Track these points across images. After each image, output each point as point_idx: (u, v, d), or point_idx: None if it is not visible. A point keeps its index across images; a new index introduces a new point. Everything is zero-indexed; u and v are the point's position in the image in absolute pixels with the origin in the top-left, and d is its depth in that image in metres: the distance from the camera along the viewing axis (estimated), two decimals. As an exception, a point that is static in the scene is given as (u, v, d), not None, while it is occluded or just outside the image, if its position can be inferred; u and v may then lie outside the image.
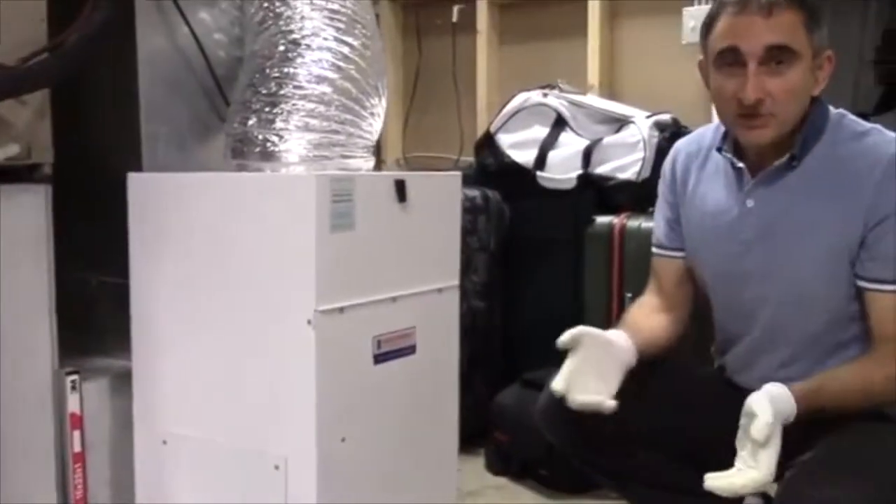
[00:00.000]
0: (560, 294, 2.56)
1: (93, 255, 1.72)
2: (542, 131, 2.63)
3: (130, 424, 1.63)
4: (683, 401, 1.59)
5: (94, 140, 1.71)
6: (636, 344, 1.54)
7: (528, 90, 2.71)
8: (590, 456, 1.60)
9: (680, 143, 1.69)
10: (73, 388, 1.57)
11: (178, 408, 1.58)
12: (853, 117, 1.48)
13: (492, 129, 2.72)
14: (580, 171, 2.52)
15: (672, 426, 1.55)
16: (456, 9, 3.14)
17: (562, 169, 2.56)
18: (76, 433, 1.57)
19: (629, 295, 2.41)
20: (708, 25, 1.45)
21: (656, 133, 2.45)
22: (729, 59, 1.41)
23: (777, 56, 1.38)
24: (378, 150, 3.43)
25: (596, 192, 2.54)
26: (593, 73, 2.88)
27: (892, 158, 1.38)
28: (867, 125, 1.46)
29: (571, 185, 2.53)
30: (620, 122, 2.56)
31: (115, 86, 1.69)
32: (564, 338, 1.49)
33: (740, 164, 1.51)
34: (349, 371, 1.49)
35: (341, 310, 1.45)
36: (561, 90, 2.70)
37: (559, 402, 1.57)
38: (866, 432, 1.37)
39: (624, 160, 2.47)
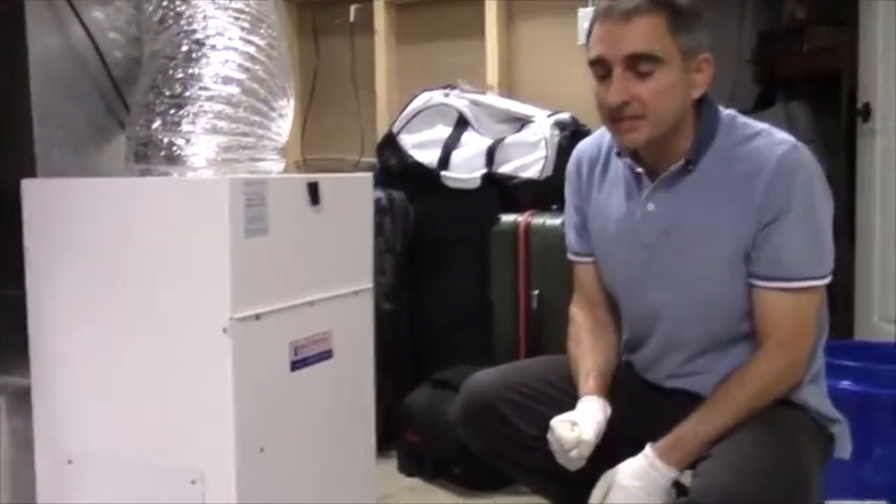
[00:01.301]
0: (468, 293, 2.57)
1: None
2: (444, 131, 2.64)
3: (31, 445, 1.54)
4: None
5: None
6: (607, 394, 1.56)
7: (431, 90, 2.71)
8: (509, 454, 1.60)
9: (582, 147, 1.70)
10: (-32, 408, 1.47)
11: (84, 425, 1.51)
12: (744, 119, 1.52)
13: (394, 130, 2.71)
14: (484, 171, 2.54)
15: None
16: (353, 9, 3.12)
17: (466, 168, 2.58)
18: (-28, 456, 1.48)
19: (536, 292, 2.44)
20: (588, 33, 1.48)
21: (557, 132, 2.50)
22: (599, 69, 1.44)
23: (639, 62, 1.40)
24: (276, 152, 3.38)
25: (500, 191, 2.56)
26: (492, 73, 2.92)
27: (779, 160, 1.43)
28: (759, 126, 1.50)
29: (476, 184, 2.55)
30: (521, 122, 2.59)
31: (5, 87, 1.60)
32: (579, 463, 1.47)
33: (639, 169, 1.54)
34: (266, 379, 1.45)
35: (257, 316, 1.41)
36: (462, 90, 2.71)
37: (478, 405, 1.59)
38: (771, 422, 1.42)
39: (526, 159, 2.50)
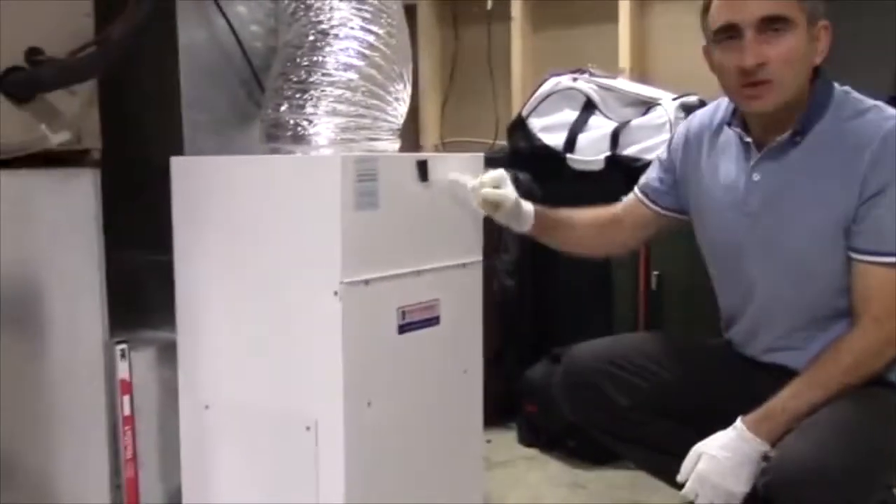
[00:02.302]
0: (590, 272, 2.63)
1: (142, 235, 1.83)
2: (571, 115, 2.70)
3: (176, 391, 1.75)
4: (692, 373, 1.66)
5: (139, 127, 1.83)
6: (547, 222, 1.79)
7: (559, 74, 2.78)
8: (603, 424, 1.67)
9: (696, 113, 1.76)
10: (123, 356, 1.69)
11: (219, 375, 1.70)
12: (857, 95, 1.53)
13: (523, 114, 2.80)
14: (608, 153, 2.58)
15: (681, 395, 1.63)
16: (490, -3, 3.22)
17: (591, 151, 2.63)
18: (125, 398, 1.70)
19: (656, 273, 2.48)
20: (706, 7, 1.52)
21: (682, 114, 2.50)
22: (727, 35, 1.48)
23: (772, 25, 1.44)
24: (417, 135, 3.55)
25: (624, 173, 2.60)
26: (624, 57, 2.94)
27: (886, 135, 1.43)
28: (869, 102, 1.51)
29: (599, 166, 2.60)
30: (648, 105, 2.62)
31: (159, 76, 1.80)
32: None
33: (748, 139, 1.57)
34: (374, 339, 1.58)
35: (366, 282, 1.55)
36: (591, 74, 2.76)
37: (576, 375, 1.67)
38: (862, 400, 1.43)
39: (651, 141, 2.53)
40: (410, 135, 3.56)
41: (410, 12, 3.44)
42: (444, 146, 3.45)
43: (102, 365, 1.68)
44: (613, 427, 1.65)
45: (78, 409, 1.66)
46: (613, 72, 2.89)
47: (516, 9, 3.17)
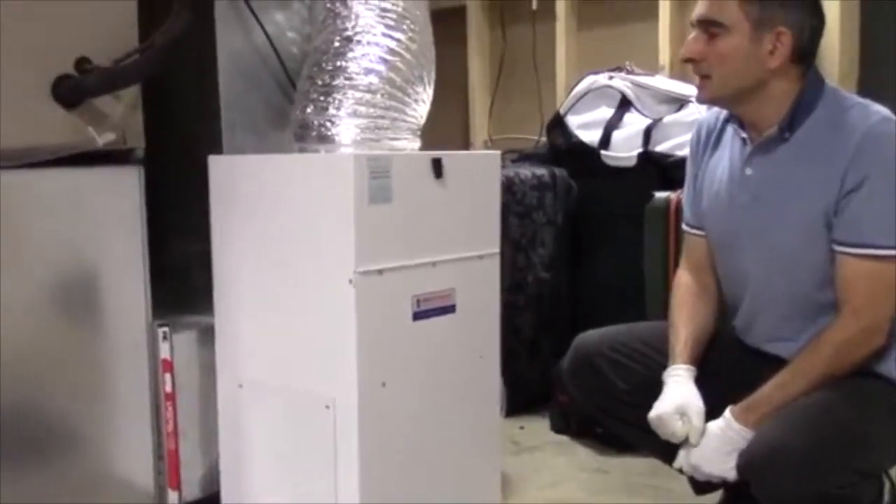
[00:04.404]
0: (623, 266, 2.69)
1: (185, 227, 1.99)
2: (608, 112, 2.77)
3: (213, 370, 1.90)
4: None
5: (181, 128, 1.98)
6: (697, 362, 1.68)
7: (597, 73, 2.85)
8: (606, 407, 1.76)
9: (703, 116, 1.83)
10: (164, 337, 1.85)
11: (251, 355, 1.84)
12: (844, 93, 1.58)
13: (561, 111, 2.88)
14: (641, 150, 2.65)
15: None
16: (535, -3, 3.30)
17: (625, 147, 2.70)
18: (167, 376, 1.86)
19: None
20: None
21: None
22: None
23: (708, 27, 1.56)
24: (466, 132, 3.65)
25: (658, 169, 2.66)
26: (664, 54, 2.99)
27: (869, 129, 1.48)
28: (856, 99, 1.56)
29: (632, 162, 2.66)
30: (681, 102, 2.67)
31: (199, 80, 1.95)
32: (679, 432, 1.59)
33: (744, 135, 1.64)
34: (389, 325, 1.70)
35: (380, 272, 1.67)
36: (628, 72, 2.82)
37: (580, 359, 1.75)
38: (843, 389, 1.48)
39: (682, 138, 2.58)
40: (461, 131, 3.68)
41: (460, 14, 3.56)
42: (493, 143, 3.54)
43: (146, 346, 1.84)
44: (612, 409, 1.73)
45: (124, 386, 1.82)
46: (654, 69, 2.95)
47: (561, 8, 3.25)
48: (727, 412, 1.54)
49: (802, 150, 1.56)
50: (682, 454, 1.59)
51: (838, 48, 2.54)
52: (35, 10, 1.62)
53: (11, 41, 1.59)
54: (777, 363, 1.62)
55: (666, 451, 1.65)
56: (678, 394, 1.61)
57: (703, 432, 1.56)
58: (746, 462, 1.45)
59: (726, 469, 1.52)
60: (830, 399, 1.46)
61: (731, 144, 1.68)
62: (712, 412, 1.59)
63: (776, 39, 1.54)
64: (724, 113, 1.74)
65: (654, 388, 1.63)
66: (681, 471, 1.63)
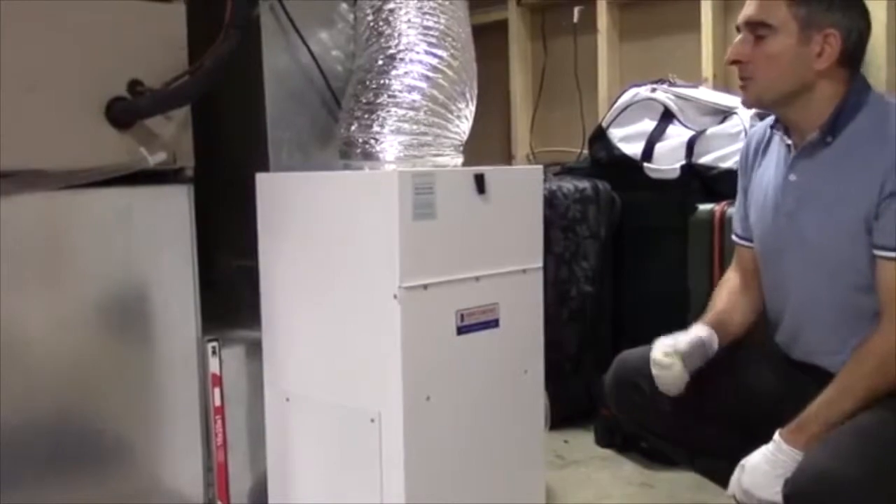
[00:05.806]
0: (667, 279, 2.68)
1: (232, 243, 2.03)
2: (650, 124, 2.77)
3: (261, 385, 1.93)
4: (739, 378, 1.72)
5: (229, 147, 2.02)
6: (718, 335, 1.71)
7: (638, 85, 2.85)
8: (649, 424, 1.76)
9: (752, 130, 1.83)
10: (214, 352, 1.88)
11: (297, 370, 1.87)
12: (890, 98, 1.57)
13: (604, 124, 2.88)
14: (683, 162, 2.64)
15: (725, 401, 1.69)
16: (577, 10, 3.30)
17: (667, 160, 2.69)
18: (216, 390, 1.89)
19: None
20: None
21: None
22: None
23: (755, 29, 1.55)
24: (509, 145, 3.67)
25: (701, 181, 2.65)
26: (707, 66, 2.98)
27: None
28: None
29: (675, 175, 2.66)
30: (724, 114, 2.66)
31: (246, 100, 1.99)
32: (662, 359, 1.65)
33: (788, 141, 1.63)
34: (433, 339, 1.72)
35: (425, 286, 1.69)
36: (671, 84, 2.82)
37: (621, 376, 1.75)
38: (888, 407, 1.46)
39: (726, 150, 2.57)
40: (503, 145, 3.69)
41: (502, 27, 3.58)
42: (535, 156, 3.56)
43: (196, 360, 1.87)
44: (655, 427, 1.73)
45: (174, 399, 1.85)
46: (697, 80, 2.94)
47: (602, 21, 3.26)
48: (776, 435, 1.52)
49: (845, 155, 1.55)
50: (734, 480, 1.57)
51: (884, 52, 2.51)
52: (89, 35, 1.67)
53: (67, 66, 1.64)
54: (821, 376, 1.60)
55: (715, 473, 1.64)
56: (673, 336, 1.68)
57: (681, 358, 1.64)
58: (794, 491, 1.42)
59: (779, 493, 1.50)
60: (879, 419, 1.43)
61: (777, 152, 1.68)
62: (767, 437, 1.57)
63: (824, 41, 1.53)
64: (770, 121, 1.74)
65: (700, 410, 1.62)
66: (735, 499, 1.61)
